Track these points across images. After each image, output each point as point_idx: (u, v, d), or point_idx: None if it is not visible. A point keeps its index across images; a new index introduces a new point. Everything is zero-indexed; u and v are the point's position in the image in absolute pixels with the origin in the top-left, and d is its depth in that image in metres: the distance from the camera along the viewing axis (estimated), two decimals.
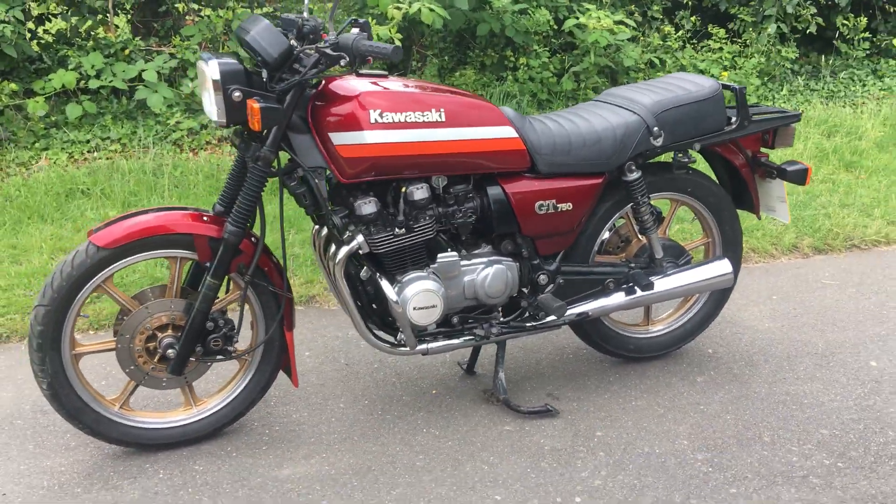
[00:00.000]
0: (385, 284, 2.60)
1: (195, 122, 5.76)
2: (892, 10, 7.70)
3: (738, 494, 2.50)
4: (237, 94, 2.39)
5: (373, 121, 2.47)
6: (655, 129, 2.82)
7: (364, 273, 2.66)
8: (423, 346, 2.75)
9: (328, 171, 2.55)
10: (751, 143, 3.10)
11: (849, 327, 3.56)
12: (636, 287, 2.93)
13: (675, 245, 3.10)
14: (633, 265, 3.02)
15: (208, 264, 2.56)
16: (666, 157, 3.02)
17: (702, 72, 6.76)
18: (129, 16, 5.89)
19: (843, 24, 7.38)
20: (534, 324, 2.87)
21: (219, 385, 2.94)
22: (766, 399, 3.01)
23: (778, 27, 6.90)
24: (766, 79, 6.98)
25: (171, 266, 2.61)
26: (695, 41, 7.23)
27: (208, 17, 6.08)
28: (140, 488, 2.55)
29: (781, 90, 6.98)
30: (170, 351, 2.57)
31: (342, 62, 2.32)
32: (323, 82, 2.54)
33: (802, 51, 7.43)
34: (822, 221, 4.60)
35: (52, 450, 2.73)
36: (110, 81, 5.70)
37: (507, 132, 2.67)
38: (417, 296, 2.61)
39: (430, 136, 2.55)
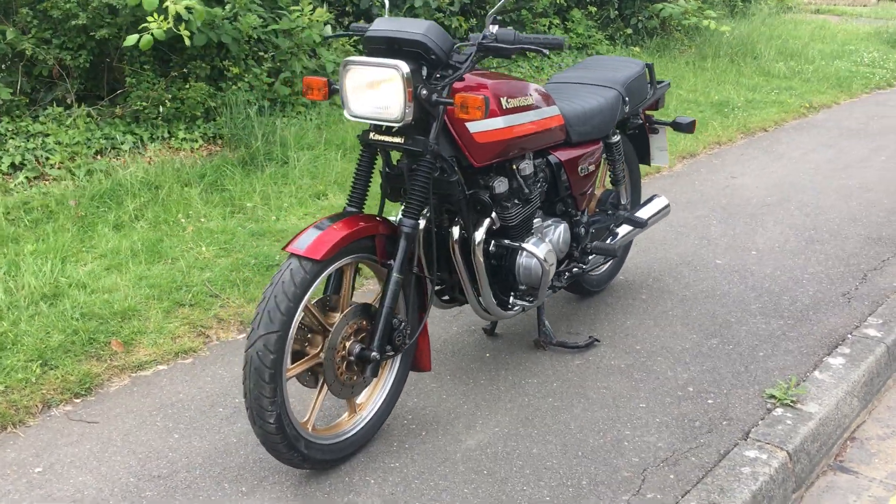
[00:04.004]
0: (533, 248, 2.91)
1: None
2: (481, 13, 9.31)
3: (770, 354, 3.38)
4: (424, 91, 2.51)
5: (504, 107, 2.78)
6: (626, 99, 3.53)
7: (493, 247, 2.93)
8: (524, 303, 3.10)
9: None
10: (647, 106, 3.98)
11: (675, 244, 4.66)
12: (632, 226, 3.62)
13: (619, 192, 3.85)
14: (609, 212, 3.70)
15: (391, 262, 2.60)
16: None
17: None
18: None
19: (459, 25, 8.73)
20: (583, 268, 3.40)
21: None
22: (696, 298, 3.94)
23: None
24: None
25: (346, 272, 2.59)
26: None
27: None
28: (375, 495, 2.53)
29: None
30: (373, 354, 2.55)
31: (545, 52, 2.59)
32: None
33: None
34: None
35: (230, 499, 2.49)
36: None
37: (557, 110, 3.15)
38: (546, 256, 2.97)
39: (531, 117, 2.94)
